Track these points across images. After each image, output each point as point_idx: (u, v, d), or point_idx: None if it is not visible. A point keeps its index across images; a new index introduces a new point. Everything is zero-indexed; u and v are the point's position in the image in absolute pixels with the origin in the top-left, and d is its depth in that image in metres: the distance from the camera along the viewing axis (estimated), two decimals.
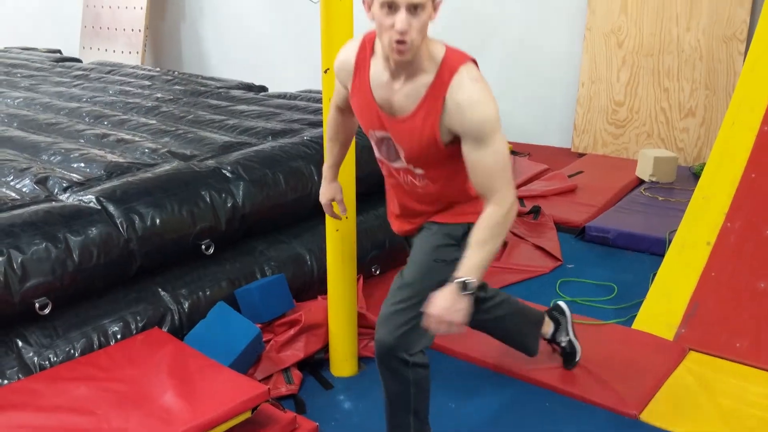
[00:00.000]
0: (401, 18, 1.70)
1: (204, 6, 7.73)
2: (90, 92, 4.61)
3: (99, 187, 2.73)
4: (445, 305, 1.84)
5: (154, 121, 3.78)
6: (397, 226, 2.27)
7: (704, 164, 3.82)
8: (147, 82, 5.00)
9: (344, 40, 2.19)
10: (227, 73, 7.02)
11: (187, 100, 4.35)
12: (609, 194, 4.46)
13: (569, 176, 4.77)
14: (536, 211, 4.13)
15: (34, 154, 3.22)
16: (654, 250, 3.69)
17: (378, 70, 1.91)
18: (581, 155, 5.42)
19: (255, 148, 3.25)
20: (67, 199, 2.69)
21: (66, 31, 8.60)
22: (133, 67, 5.61)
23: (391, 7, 1.71)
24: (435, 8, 1.78)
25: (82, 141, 3.44)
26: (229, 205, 2.87)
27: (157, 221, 2.66)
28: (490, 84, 1.86)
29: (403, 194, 2.14)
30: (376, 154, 2.10)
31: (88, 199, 2.64)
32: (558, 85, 5.62)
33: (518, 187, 4.59)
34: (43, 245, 2.37)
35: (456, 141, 1.89)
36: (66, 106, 4.14)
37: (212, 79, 5.20)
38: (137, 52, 7.62)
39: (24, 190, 2.79)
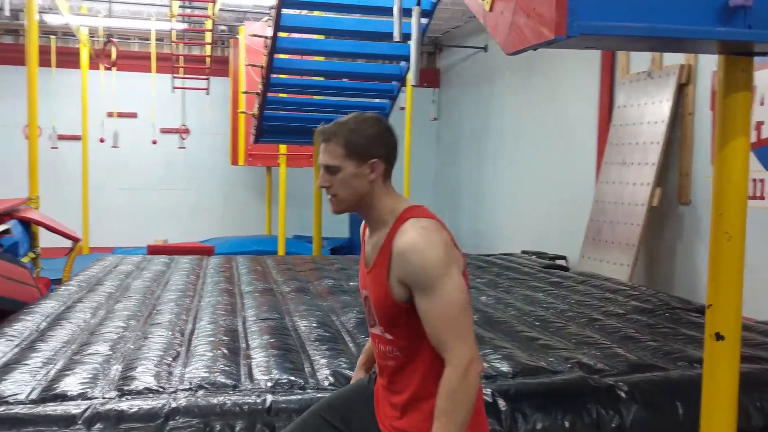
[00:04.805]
0: (321, 174, 1.98)
1: (702, 228, 7.75)
2: (551, 299, 5.10)
3: (499, 383, 3.09)
4: None
5: (584, 332, 4.02)
6: (381, 409, 2.11)
7: None
8: (610, 295, 5.28)
9: None
10: None
11: (631, 317, 4.48)
12: None
13: None
14: None
15: None
16: None
17: None
18: None
19: (663, 373, 3.21)
20: None
21: (574, 240, 9.48)
22: (605, 279, 5.96)
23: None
24: (370, 166, 1.93)
25: (516, 342, 3.86)
26: (613, 425, 2.90)
27: (538, 425, 2.86)
28: None
29: (380, 367, 2.07)
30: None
31: (487, 391, 3.00)
32: None
33: None
34: None
35: (410, 298, 1.85)
36: (522, 309, 4.69)
37: (685, 302, 5.09)
38: (628, 265, 7.97)
39: None
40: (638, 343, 3.80)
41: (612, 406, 2.96)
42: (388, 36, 7.29)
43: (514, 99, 11.57)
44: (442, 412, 1.79)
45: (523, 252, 9.67)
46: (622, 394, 3.02)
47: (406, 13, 3.97)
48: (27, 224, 7.49)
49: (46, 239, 8.54)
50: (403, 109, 11.22)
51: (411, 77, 3.57)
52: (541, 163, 10.68)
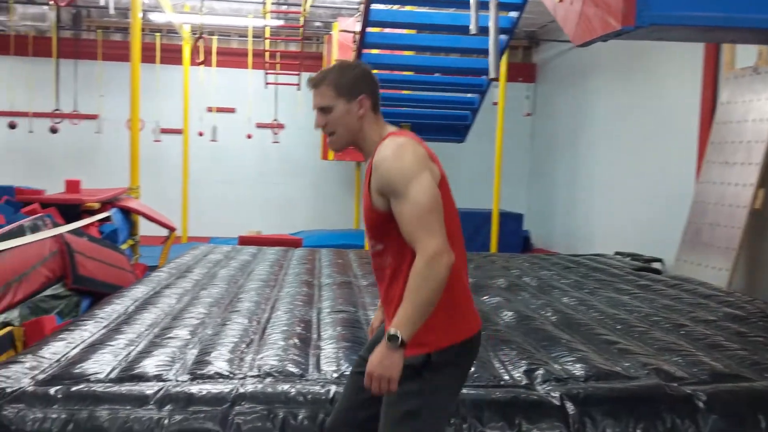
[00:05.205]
0: (316, 116, 2.22)
1: None
2: (637, 302, 4.91)
3: (569, 386, 3.00)
4: (376, 361, 1.97)
5: (667, 338, 3.84)
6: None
7: None
8: (702, 301, 5.03)
9: None
10: None
11: (721, 324, 4.24)
12: None
13: None
14: None
15: (546, 347, 3.66)
16: None
17: None
18: None
19: (748, 384, 3.03)
20: (541, 390, 3.02)
21: (671, 243, 9.09)
22: (698, 284, 5.68)
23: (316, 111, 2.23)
24: (359, 102, 2.18)
25: (593, 345, 3.73)
26: None
27: (608, 431, 2.76)
28: None
29: (380, 287, 2.29)
30: None
31: (555, 394, 2.93)
32: None
33: None
34: (500, 424, 2.76)
35: (389, 206, 2.08)
36: (604, 311, 4.53)
37: None
38: (727, 270, 7.57)
39: (515, 375, 3.24)
40: (725, 352, 3.60)
41: (689, 416, 2.82)
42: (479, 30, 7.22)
43: (612, 95, 11.21)
44: (407, 291, 2.00)
45: (617, 253, 9.37)
46: (701, 404, 2.87)
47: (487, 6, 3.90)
48: (127, 213, 7.87)
49: (146, 228, 8.96)
50: (495, 104, 11.07)
51: (490, 70, 3.51)
52: (638, 161, 10.31)
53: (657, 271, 6.95)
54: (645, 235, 9.99)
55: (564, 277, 5.97)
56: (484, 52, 7.52)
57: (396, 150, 2.09)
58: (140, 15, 8.42)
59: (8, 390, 2.79)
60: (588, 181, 11.87)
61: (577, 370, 3.23)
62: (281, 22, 11.58)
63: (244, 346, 3.47)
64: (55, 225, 5.79)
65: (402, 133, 2.20)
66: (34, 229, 5.32)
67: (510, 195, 12.69)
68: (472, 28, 3.69)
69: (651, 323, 4.26)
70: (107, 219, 7.25)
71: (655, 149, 9.97)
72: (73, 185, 7.71)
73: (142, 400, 2.78)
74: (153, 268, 7.30)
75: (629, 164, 10.56)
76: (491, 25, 3.47)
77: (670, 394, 2.92)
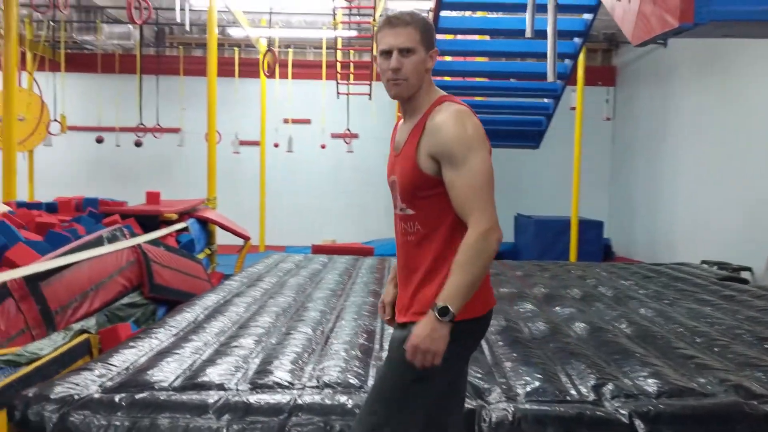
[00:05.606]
0: (394, 57, 2.08)
1: None
2: (720, 314, 4.66)
3: (639, 403, 2.85)
4: (423, 333, 1.91)
5: (750, 353, 3.62)
6: (397, 307, 2.23)
7: None
8: None
9: None
10: None
11: None
12: None
13: None
14: None
15: (617, 361, 3.49)
16: None
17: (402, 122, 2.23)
18: None
19: None
20: (609, 406, 2.89)
21: (762, 250, 8.64)
22: None
23: (388, 53, 2.10)
24: (431, 56, 2.11)
25: (668, 360, 3.54)
26: None
27: None
28: None
29: (400, 252, 2.20)
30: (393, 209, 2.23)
31: (624, 411, 2.80)
32: None
33: None
34: None
35: (437, 172, 2.03)
36: (684, 323, 4.31)
37: None
38: None
39: (582, 390, 3.10)
40: None
41: None
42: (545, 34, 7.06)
43: (696, 97, 10.77)
44: (458, 264, 1.96)
45: (703, 262, 8.95)
46: None
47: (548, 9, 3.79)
48: (204, 223, 8.06)
49: (224, 237, 9.16)
50: (573, 109, 10.82)
51: (548, 73, 3.42)
52: (725, 164, 9.85)
53: (744, 281, 6.58)
54: (733, 243, 9.51)
55: (643, 287, 5.73)
56: (560, 56, 7.36)
57: (457, 116, 2.06)
58: (218, 31, 8.65)
59: (76, 397, 2.88)
60: (671, 186, 11.43)
61: (649, 385, 3.07)
62: (354, 33, 11.68)
63: (306, 356, 3.47)
64: (133, 235, 5.98)
65: (456, 99, 2.16)
66: (113, 239, 5.51)
67: (590, 202, 12.36)
68: (528, 32, 3.60)
69: (733, 336, 4.03)
70: (185, 229, 7.45)
71: (742, 152, 9.51)
72: (152, 197, 7.96)
73: (202, 408, 2.81)
74: (228, 277, 7.44)
75: (715, 168, 10.11)
76: (549, 27, 3.37)
77: (748, 412, 2.74)
